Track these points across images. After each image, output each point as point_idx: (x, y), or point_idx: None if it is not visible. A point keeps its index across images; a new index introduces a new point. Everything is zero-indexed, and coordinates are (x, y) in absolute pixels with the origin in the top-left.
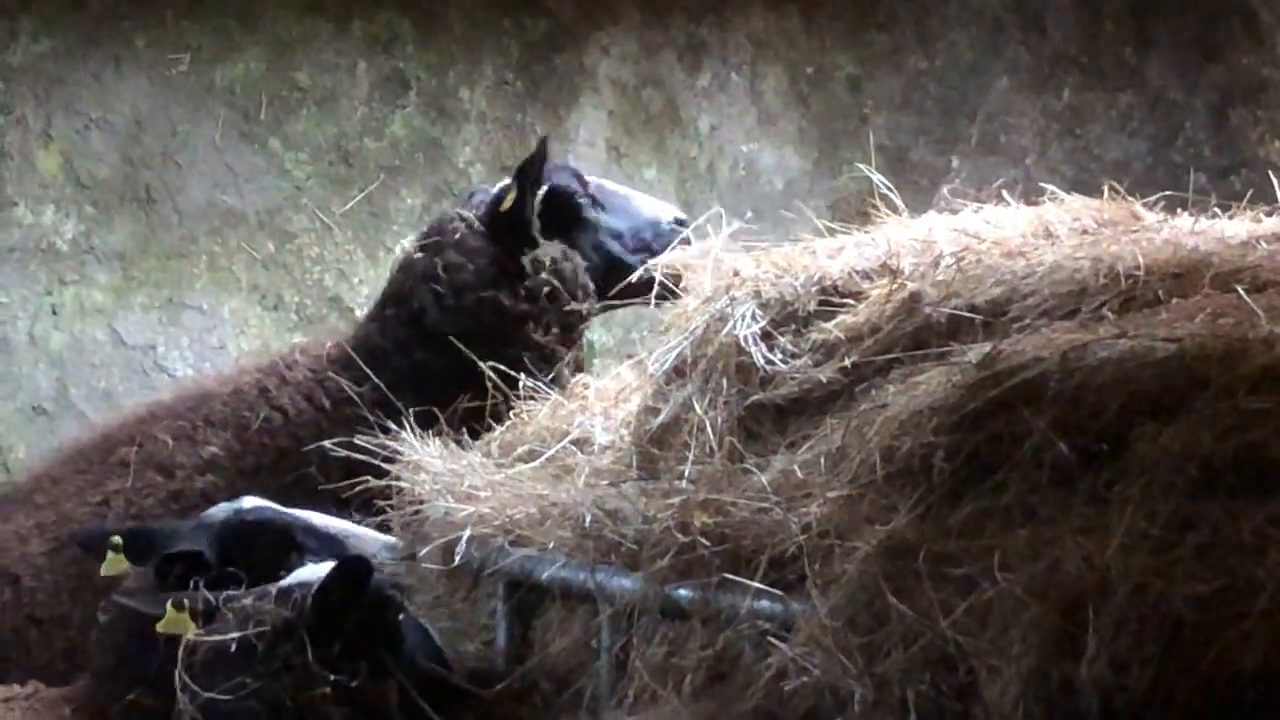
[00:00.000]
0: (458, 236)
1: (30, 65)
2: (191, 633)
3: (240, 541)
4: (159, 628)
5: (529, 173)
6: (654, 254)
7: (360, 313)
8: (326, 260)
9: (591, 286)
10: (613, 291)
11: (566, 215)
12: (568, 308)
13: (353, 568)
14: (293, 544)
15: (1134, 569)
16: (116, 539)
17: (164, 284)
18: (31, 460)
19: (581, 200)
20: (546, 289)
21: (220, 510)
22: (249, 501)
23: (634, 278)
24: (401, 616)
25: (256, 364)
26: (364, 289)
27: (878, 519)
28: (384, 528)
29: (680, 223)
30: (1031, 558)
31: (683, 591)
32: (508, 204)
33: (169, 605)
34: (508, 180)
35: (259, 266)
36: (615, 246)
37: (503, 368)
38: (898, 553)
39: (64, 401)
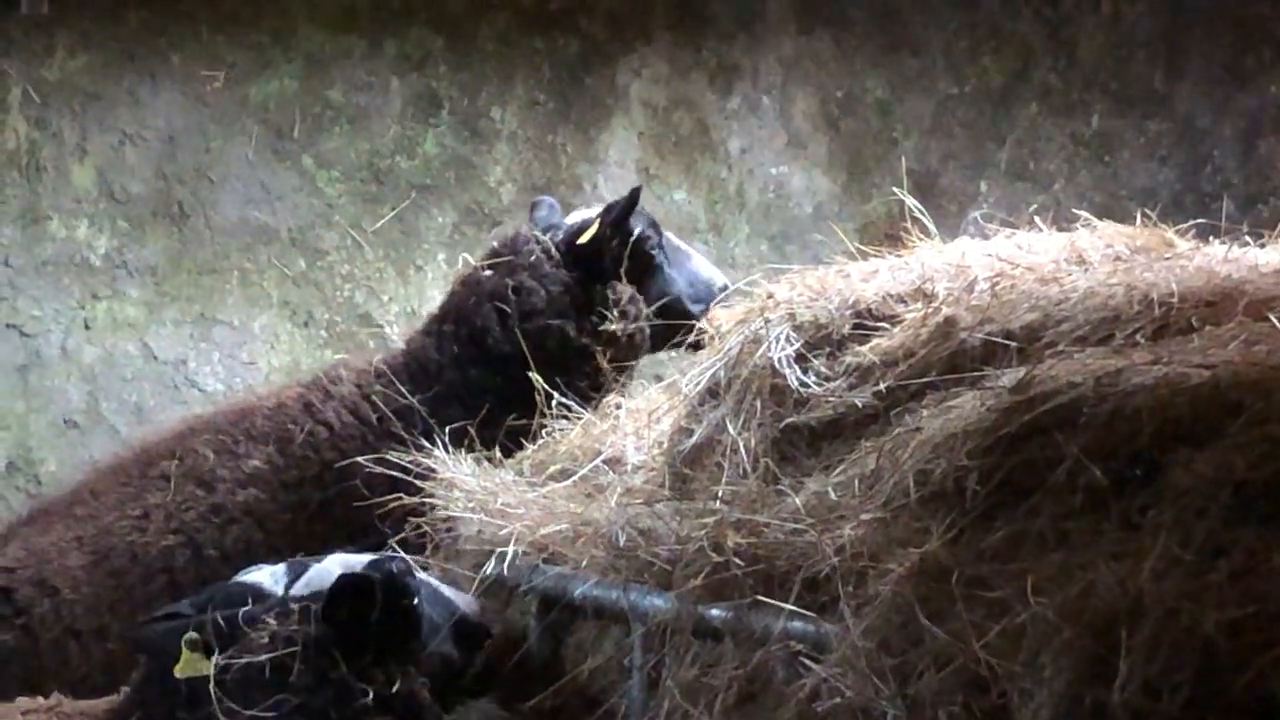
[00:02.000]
0: (533, 259)
1: (66, 80)
2: (209, 669)
3: None
4: (176, 672)
5: (615, 214)
6: (702, 313)
7: (390, 330)
8: (357, 277)
9: (648, 331)
10: (669, 343)
11: (640, 260)
12: (627, 346)
13: (356, 578)
14: None
15: (1167, 594)
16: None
17: (196, 299)
18: (62, 473)
19: (654, 250)
20: (614, 327)
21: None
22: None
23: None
24: (416, 602)
25: (298, 379)
26: (394, 306)
27: (911, 541)
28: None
29: (725, 288)
30: (1064, 581)
31: (715, 611)
32: (586, 238)
33: (183, 645)
34: (591, 213)
35: (290, 283)
36: (679, 297)
37: (557, 394)
38: (931, 575)
39: (95, 415)
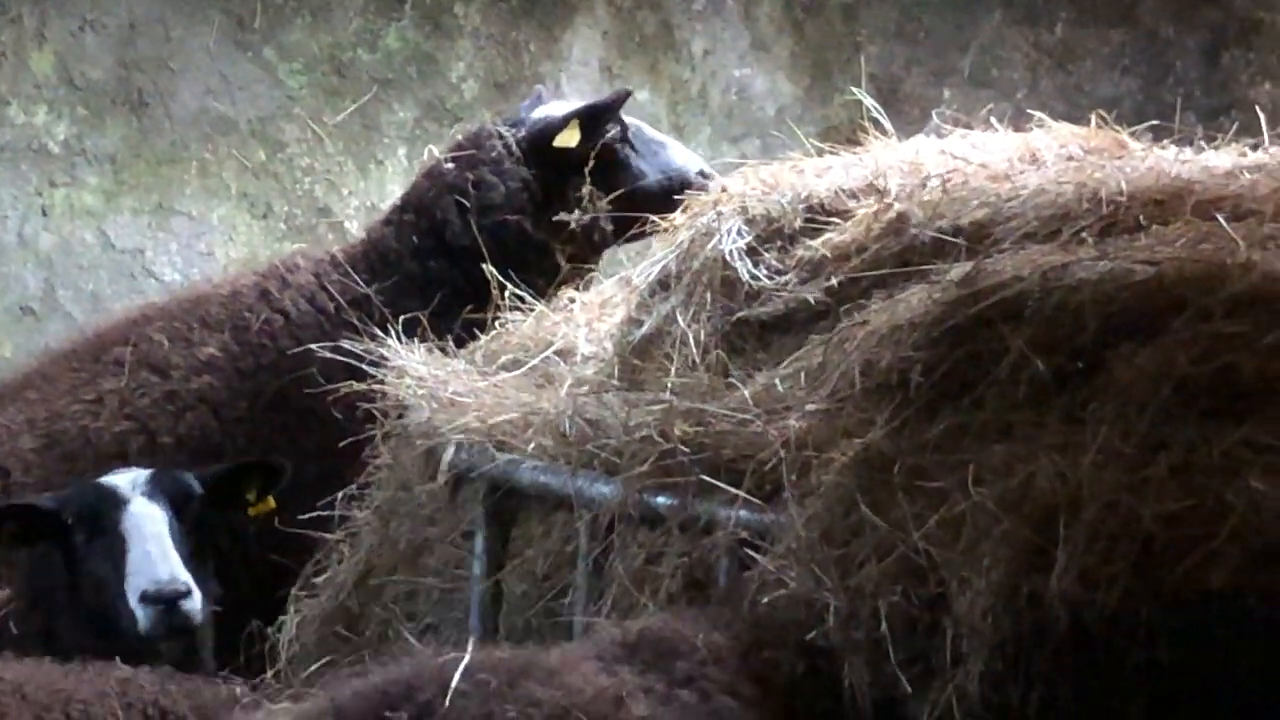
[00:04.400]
0: (494, 155)
1: None
2: None
3: None
4: None
5: (599, 121)
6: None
7: (349, 224)
8: (317, 171)
9: (609, 230)
10: (628, 234)
11: (606, 157)
12: (585, 244)
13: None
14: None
15: (1106, 486)
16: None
17: (154, 189)
18: (18, 360)
19: (620, 146)
20: (573, 225)
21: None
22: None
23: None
24: None
25: (254, 268)
26: (353, 200)
27: (855, 432)
28: None
29: (704, 175)
30: (1005, 473)
31: (661, 499)
32: (564, 141)
33: None
34: (560, 111)
35: (249, 175)
36: (644, 191)
37: (511, 287)
38: (873, 465)
39: (51, 302)
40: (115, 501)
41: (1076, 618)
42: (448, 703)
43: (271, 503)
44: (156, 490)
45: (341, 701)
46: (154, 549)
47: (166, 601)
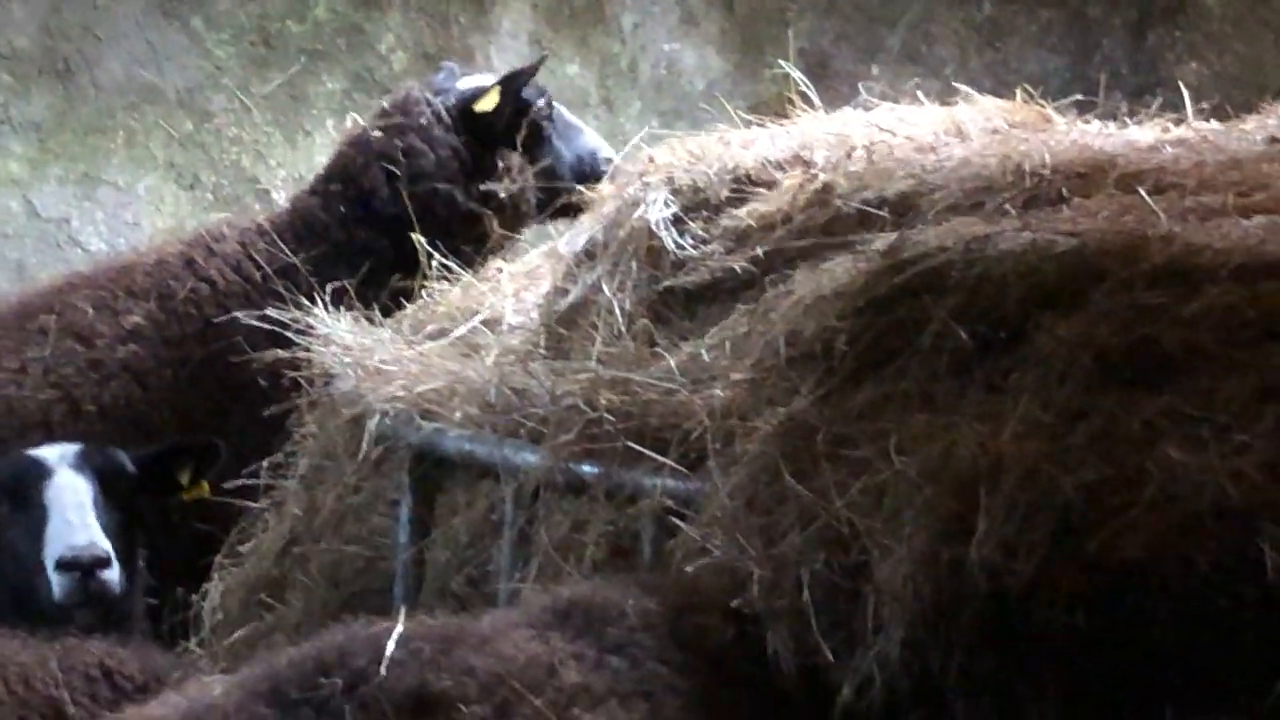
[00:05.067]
0: (423, 122)
1: None
2: None
3: None
4: None
5: (517, 83)
6: (588, 182)
7: (277, 195)
8: (245, 141)
9: (535, 201)
10: (550, 208)
11: (531, 130)
12: (513, 214)
13: None
14: None
15: (1026, 455)
16: None
17: (80, 158)
18: None
19: (545, 121)
20: (501, 194)
21: None
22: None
23: (570, 199)
24: None
25: (180, 237)
26: (281, 171)
27: (779, 401)
28: None
29: (609, 160)
30: (927, 441)
31: (586, 467)
32: (485, 105)
33: None
34: (484, 80)
35: (176, 145)
36: (562, 170)
37: (439, 256)
38: (797, 434)
39: None
40: (40, 472)
41: (996, 585)
42: (383, 670)
43: (206, 487)
44: (85, 464)
45: (275, 670)
46: (74, 517)
47: (83, 568)
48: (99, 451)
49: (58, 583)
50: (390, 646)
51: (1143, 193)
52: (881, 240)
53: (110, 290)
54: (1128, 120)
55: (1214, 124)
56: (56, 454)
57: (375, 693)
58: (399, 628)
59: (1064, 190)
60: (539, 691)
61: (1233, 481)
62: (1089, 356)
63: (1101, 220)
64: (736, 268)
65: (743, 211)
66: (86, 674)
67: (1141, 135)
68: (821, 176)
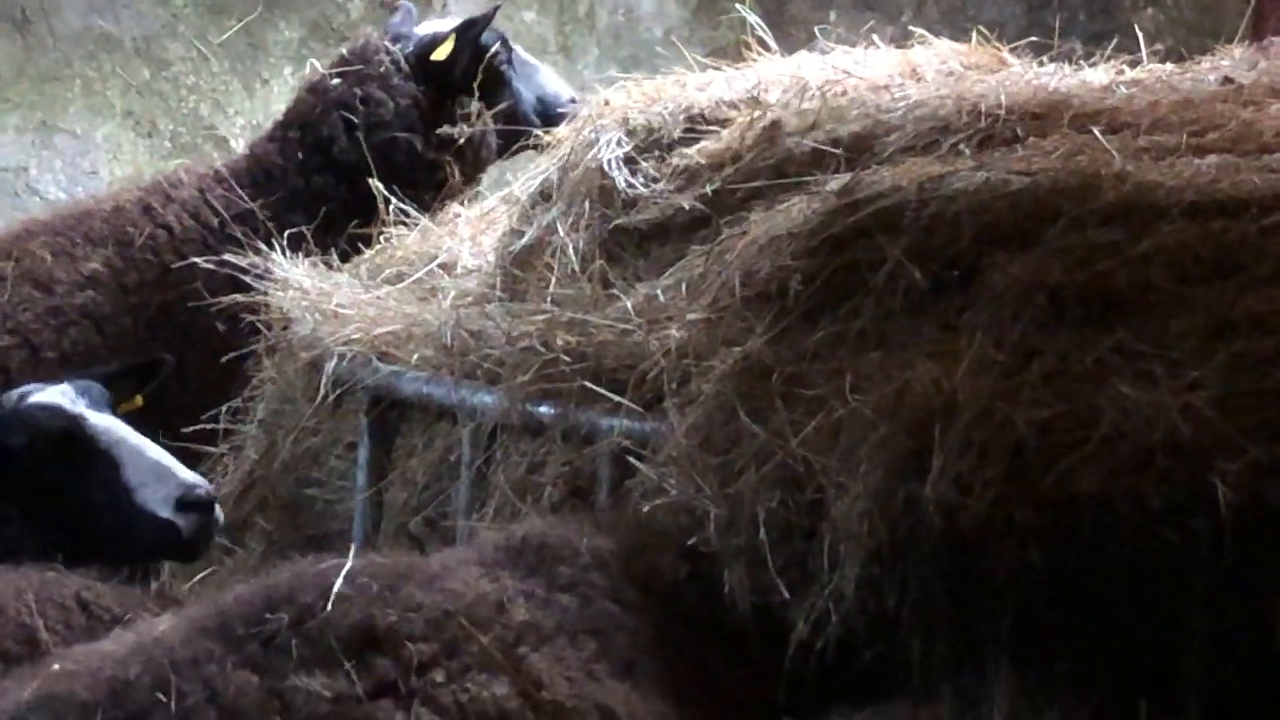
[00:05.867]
0: (382, 70)
1: None
2: None
3: None
4: None
5: (473, 32)
6: (551, 123)
7: (235, 143)
8: (202, 89)
9: (495, 145)
10: (511, 150)
11: (489, 75)
12: (472, 159)
13: None
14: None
15: (980, 393)
16: None
17: (38, 106)
18: None
19: (504, 65)
20: (460, 140)
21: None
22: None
23: (530, 140)
24: None
25: (137, 183)
26: (239, 119)
27: (734, 341)
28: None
29: (574, 101)
30: (882, 380)
31: (543, 408)
32: (441, 55)
33: None
34: (441, 28)
35: (134, 93)
36: (523, 111)
37: (396, 201)
38: (752, 374)
39: None
40: (72, 417)
41: (951, 522)
42: (329, 606)
43: (139, 400)
44: (90, 401)
45: (224, 606)
46: (159, 457)
47: (204, 505)
48: (85, 387)
49: (184, 522)
50: (337, 583)
51: (1096, 132)
52: (836, 180)
53: (68, 237)
54: (1083, 64)
55: (1169, 66)
56: (65, 396)
57: (321, 628)
58: (347, 564)
59: (1019, 130)
60: (486, 628)
61: (1184, 417)
62: (1042, 295)
63: (1055, 160)
64: (685, 205)
65: (693, 150)
66: (62, 604)
67: (1096, 77)
68: (770, 114)
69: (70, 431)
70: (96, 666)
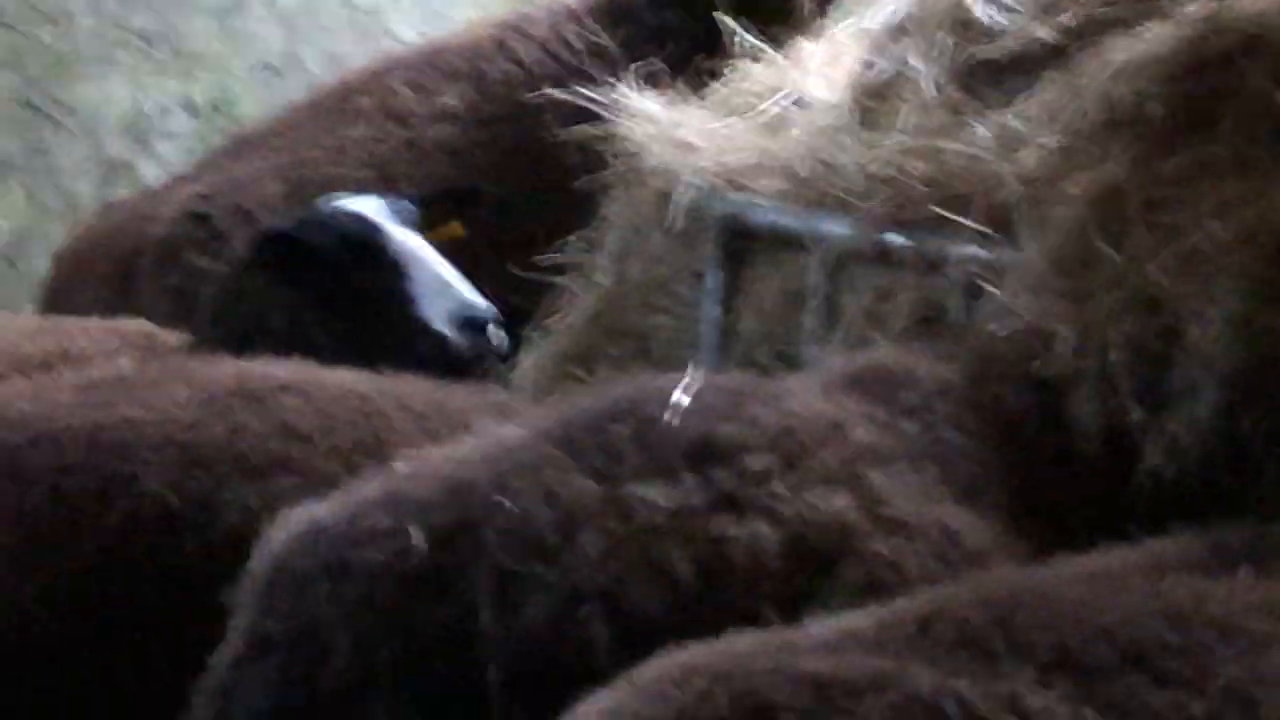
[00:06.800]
0: None
1: None
2: None
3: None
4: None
5: None
6: None
7: None
8: None
9: None
10: None
11: None
12: None
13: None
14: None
15: None
16: None
17: None
18: (259, 115)
19: None
20: None
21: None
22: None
23: None
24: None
25: (492, 20)
26: None
27: (1090, 167)
28: None
29: None
30: (1241, 206)
31: (894, 236)
32: None
33: None
34: None
35: None
36: None
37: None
38: (1109, 199)
39: (293, 60)
40: (374, 227)
41: None
42: (670, 418)
43: (459, 229)
44: (400, 219)
45: (566, 415)
46: (449, 275)
47: (481, 326)
48: (397, 205)
49: (459, 338)
50: (677, 394)
51: None
52: (1199, 5)
53: (425, 72)
54: None
55: None
56: (372, 207)
57: (662, 438)
58: (687, 378)
59: None
60: (826, 445)
61: None
62: None
63: None
64: (1045, 36)
65: None
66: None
67: None
68: None
69: (366, 236)
70: (437, 468)
